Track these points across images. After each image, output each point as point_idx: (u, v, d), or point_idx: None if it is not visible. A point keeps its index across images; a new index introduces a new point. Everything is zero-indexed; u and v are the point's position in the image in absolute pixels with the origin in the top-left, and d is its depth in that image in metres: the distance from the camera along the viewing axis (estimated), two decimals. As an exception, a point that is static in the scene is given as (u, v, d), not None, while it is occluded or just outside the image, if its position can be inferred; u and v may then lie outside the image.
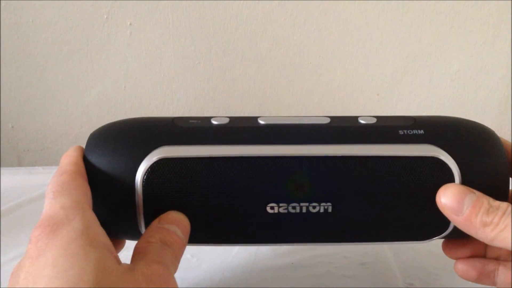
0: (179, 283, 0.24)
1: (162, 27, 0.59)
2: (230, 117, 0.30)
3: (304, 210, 0.28)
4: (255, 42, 0.60)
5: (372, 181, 0.28)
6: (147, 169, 0.27)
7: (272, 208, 0.28)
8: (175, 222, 0.27)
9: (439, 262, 0.31)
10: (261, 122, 0.29)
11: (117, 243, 0.31)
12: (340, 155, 0.27)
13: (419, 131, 0.29)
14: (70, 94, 0.62)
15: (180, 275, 0.24)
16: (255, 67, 0.62)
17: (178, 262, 0.26)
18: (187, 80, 0.62)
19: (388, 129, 0.29)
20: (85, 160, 0.28)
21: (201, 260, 0.40)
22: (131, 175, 0.27)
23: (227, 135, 0.28)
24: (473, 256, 0.32)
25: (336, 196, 0.28)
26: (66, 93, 0.62)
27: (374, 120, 0.30)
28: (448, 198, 0.26)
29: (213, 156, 0.27)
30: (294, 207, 0.28)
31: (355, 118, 0.30)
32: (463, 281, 0.32)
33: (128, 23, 0.59)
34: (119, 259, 0.24)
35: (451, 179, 0.27)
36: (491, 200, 0.26)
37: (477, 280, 0.32)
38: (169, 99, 0.63)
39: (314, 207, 0.28)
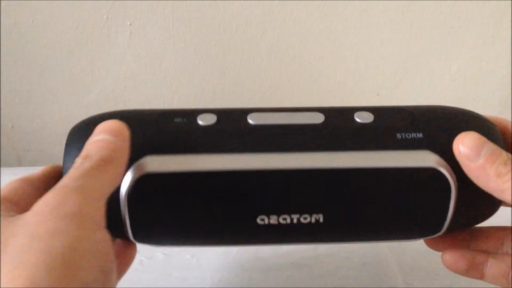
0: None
1: (162, 27, 0.59)
2: (217, 113, 0.29)
3: (295, 221, 0.27)
4: (255, 42, 0.60)
5: (365, 193, 0.27)
6: (132, 184, 0.26)
7: (262, 219, 0.27)
8: (101, 132, 0.25)
9: (439, 262, 0.31)
10: (251, 122, 0.28)
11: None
12: (332, 167, 0.26)
13: (418, 134, 0.28)
14: (70, 94, 0.62)
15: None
16: (255, 67, 0.62)
17: (107, 168, 0.23)
18: (187, 80, 0.62)
19: (385, 131, 0.28)
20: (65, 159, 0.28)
21: (201, 260, 0.40)
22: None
23: (215, 141, 0.27)
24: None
25: (328, 207, 0.27)
26: (66, 93, 0.62)
27: (371, 119, 0.29)
28: (466, 144, 0.26)
29: (200, 171, 0.26)
30: (284, 219, 0.27)
31: (351, 114, 0.29)
32: (463, 280, 0.32)
33: (128, 23, 0.59)
34: (13, 211, 0.23)
35: (448, 189, 0.27)
36: (510, 154, 0.26)
37: (466, 272, 0.30)
38: (169, 99, 0.63)
39: (305, 218, 0.27)
